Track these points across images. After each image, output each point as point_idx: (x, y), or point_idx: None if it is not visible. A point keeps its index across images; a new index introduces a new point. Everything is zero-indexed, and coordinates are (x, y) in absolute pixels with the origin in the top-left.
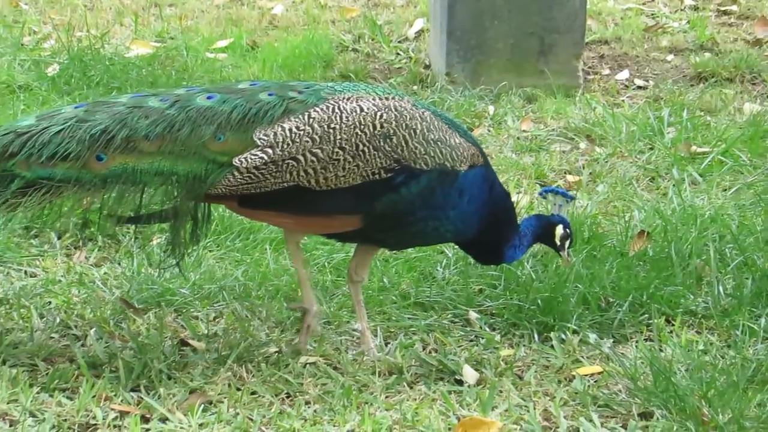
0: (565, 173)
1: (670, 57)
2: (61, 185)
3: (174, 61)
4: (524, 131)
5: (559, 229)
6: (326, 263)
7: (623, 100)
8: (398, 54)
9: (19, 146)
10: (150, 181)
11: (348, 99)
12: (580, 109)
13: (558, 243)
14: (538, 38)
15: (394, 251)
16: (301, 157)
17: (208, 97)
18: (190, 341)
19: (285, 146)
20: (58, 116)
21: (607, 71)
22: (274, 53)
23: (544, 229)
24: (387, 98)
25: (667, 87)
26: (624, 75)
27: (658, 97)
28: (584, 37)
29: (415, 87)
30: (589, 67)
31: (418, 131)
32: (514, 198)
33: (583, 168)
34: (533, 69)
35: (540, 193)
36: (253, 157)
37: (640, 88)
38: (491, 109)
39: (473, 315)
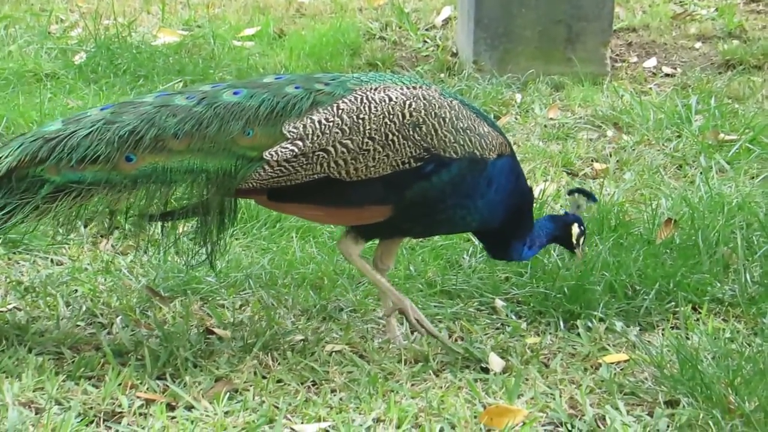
0: (592, 161)
1: (698, 44)
2: (92, 188)
3: (201, 49)
4: (551, 119)
5: (575, 228)
6: None
7: (651, 88)
8: (425, 42)
9: (48, 151)
10: (180, 179)
11: (375, 89)
12: (608, 97)
13: (574, 242)
14: (565, 26)
15: (419, 239)
16: (331, 149)
17: (235, 93)
18: (216, 329)
19: (315, 138)
20: (84, 119)
21: (634, 59)
22: (301, 41)
23: (561, 230)
24: (415, 87)
25: (694, 74)
26: (652, 63)
27: (686, 85)
28: (612, 25)
29: (442, 75)
30: (617, 55)
31: (447, 119)
32: (541, 186)
33: (610, 156)
34: (561, 57)
35: (568, 192)
36: (283, 150)
37: (667, 75)
38: (518, 97)
39: (499, 303)
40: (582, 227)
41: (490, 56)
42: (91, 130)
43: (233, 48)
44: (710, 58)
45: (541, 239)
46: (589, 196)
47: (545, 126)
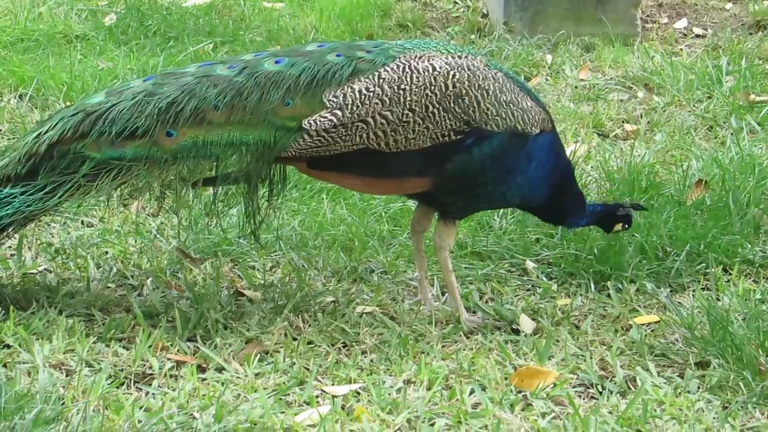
0: (622, 122)
1: (728, 5)
2: (132, 165)
3: (231, 10)
4: (582, 80)
5: (619, 227)
6: (383, 213)
7: (681, 49)
8: (456, 3)
9: (90, 125)
10: (221, 153)
11: (419, 57)
12: (638, 58)
13: (611, 232)
14: None
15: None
16: (370, 120)
17: (276, 62)
18: (247, 291)
19: (354, 108)
20: (127, 91)
21: (665, 20)
22: (331, 3)
23: (608, 219)
24: (460, 56)
25: (725, 35)
26: (682, 23)
27: (717, 46)
28: None
29: (472, 36)
30: (647, 16)
31: (490, 92)
32: (572, 147)
33: (641, 117)
34: (591, 17)
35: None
36: (322, 119)
37: (698, 36)
38: (549, 58)
39: (530, 264)
40: (627, 226)
41: (521, 17)
42: (132, 102)
43: (263, 9)
44: (741, 18)
45: (588, 218)
46: (638, 208)
47: (576, 87)
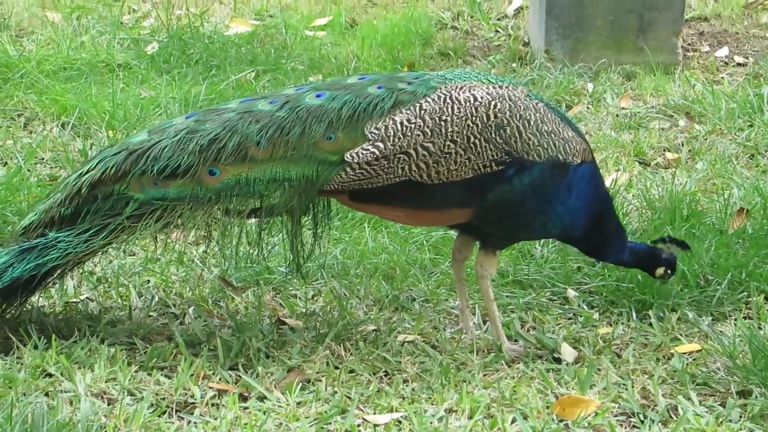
0: (664, 151)
1: None
2: (176, 204)
3: (273, 39)
4: (623, 108)
5: (660, 271)
6: (425, 241)
7: (723, 77)
8: (497, 31)
9: (132, 163)
10: (264, 189)
11: (461, 88)
12: (680, 87)
13: (656, 276)
14: (637, 15)
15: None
16: (412, 152)
17: (317, 96)
18: (288, 320)
19: (396, 140)
20: (169, 129)
21: (706, 48)
22: (373, 31)
23: (651, 261)
24: (501, 86)
25: (767, 64)
26: (723, 52)
27: (758, 74)
28: (684, 14)
29: (513, 65)
30: (689, 44)
31: (532, 122)
32: (613, 176)
33: (682, 145)
34: (632, 46)
35: (660, 240)
36: (364, 152)
37: (739, 65)
38: (590, 86)
39: (571, 293)
40: (669, 272)
41: (562, 45)
42: (174, 140)
43: (305, 38)
44: None
45: (629, 256)
46: (681, 244)
47: (617, 115)
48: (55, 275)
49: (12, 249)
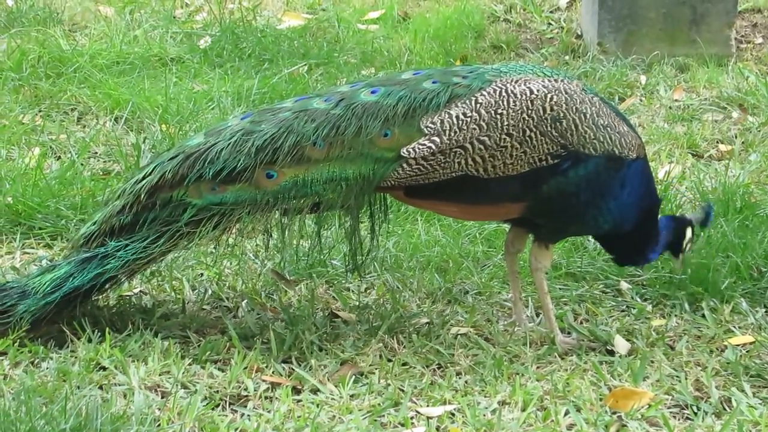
0: (717, 143)
1: None
2: (234, 209)
3: (326, 32)
4: (676, 101)
5: (689, 233)
6: (477, 234)
7: None
8: (550, 24)
9: (189, 167)
10: (321, 189)
11: (516, 81)
12: (733, 78)
13: (684, 245)
14: (690, 7)
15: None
16: (468, 146)
17: (372, 92)
18: (341, 313)
19: (452, 134)
20: (225, 131)
21: (760, 40)
22: (425, 24)
23: (677, 232)
24: (556, 80)
25: None
26: None
27: None
28: (737, 6)
29: (566, 57)
30: (742, 36)
31: (588, 115)
32: (666, 168)
33: (736, 137)
34: (685, 38)
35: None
36: (420, 147)
37: None
38: (643, 78)
39: (624, 285)
40: (694, 233)
41: (615, 38)
42: (230, 141)
43: (358, 31)
44: None
45: (660, 245)
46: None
47: (670, 108)
48: (113, 283)
49: (73, 259)
